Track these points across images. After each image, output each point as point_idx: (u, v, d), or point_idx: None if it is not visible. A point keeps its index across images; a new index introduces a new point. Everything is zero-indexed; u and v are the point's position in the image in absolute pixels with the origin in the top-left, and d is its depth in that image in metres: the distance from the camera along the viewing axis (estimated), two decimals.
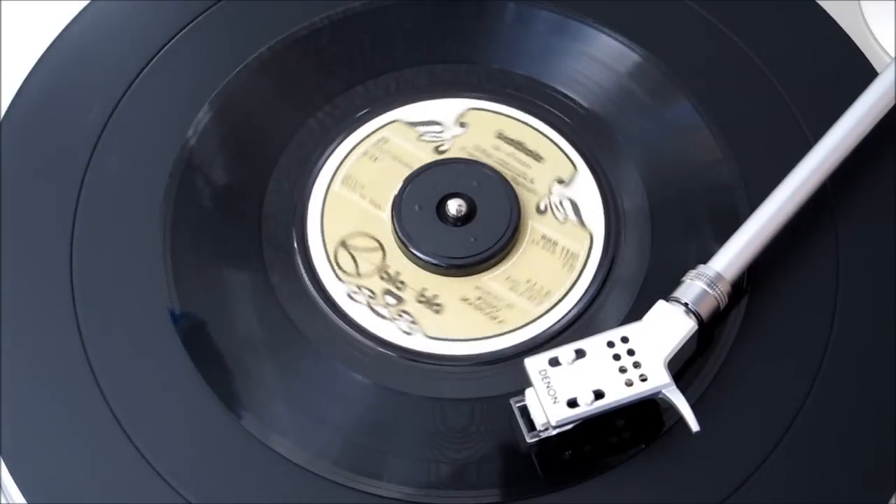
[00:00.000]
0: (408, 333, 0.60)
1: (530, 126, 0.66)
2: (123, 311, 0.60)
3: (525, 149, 0.65)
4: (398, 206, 0.63)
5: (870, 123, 0.61)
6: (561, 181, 0.64)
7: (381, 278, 0.62)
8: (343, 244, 0.63)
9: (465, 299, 0.61)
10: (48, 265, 0.61)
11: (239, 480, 0.56)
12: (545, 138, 0.65)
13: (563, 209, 0.63)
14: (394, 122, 0.66)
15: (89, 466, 0.56)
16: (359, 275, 0.62)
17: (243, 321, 0.61)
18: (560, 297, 0.61)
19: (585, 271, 0.62)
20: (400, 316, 0.61)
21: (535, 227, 0.63)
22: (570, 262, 0.62)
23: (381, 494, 0.56)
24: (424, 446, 0.57)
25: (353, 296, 0.61)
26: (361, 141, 0.65)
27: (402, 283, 0.62)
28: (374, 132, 0.65)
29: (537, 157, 0.65)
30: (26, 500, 0.56)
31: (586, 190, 0.64)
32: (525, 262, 0.62)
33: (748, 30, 0.67)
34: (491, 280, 0.62)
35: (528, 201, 0.64)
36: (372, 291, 0.62)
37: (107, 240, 0.62)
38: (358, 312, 0.61)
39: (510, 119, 0.66)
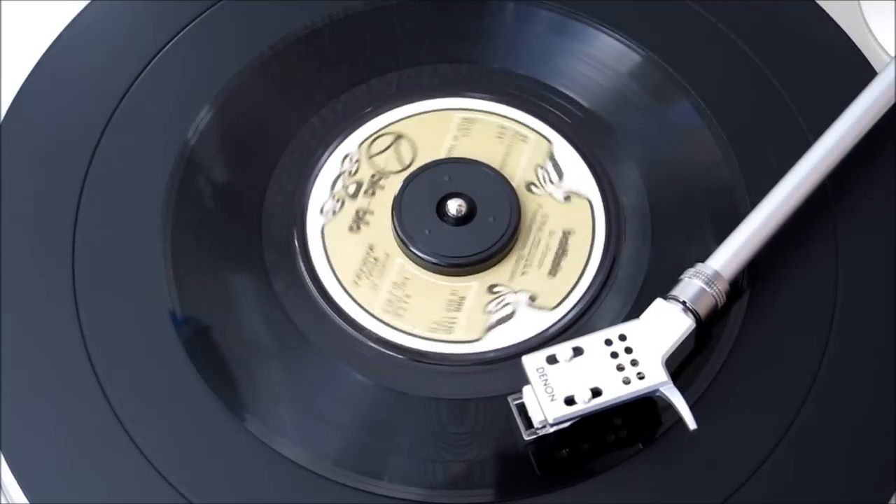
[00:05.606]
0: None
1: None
2: (125, 312, 0.60)
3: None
4: (398, 205, 0.63)
5: (869, 122, 0.61)
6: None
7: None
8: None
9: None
10: (49, 267, 0.61)
11: (241, 481, 0.56)
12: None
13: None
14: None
15: (91, 469, 0.56)
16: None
17: (244, 323, 0.61)
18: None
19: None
20: None
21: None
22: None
23: (382, 494, 0.56)
24: (424, 446, 0.57)
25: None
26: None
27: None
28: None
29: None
30: (27, 500, 0.56)
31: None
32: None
33: (748, 30, 0.67)
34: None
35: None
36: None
37: (108, 241, 0.62)
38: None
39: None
